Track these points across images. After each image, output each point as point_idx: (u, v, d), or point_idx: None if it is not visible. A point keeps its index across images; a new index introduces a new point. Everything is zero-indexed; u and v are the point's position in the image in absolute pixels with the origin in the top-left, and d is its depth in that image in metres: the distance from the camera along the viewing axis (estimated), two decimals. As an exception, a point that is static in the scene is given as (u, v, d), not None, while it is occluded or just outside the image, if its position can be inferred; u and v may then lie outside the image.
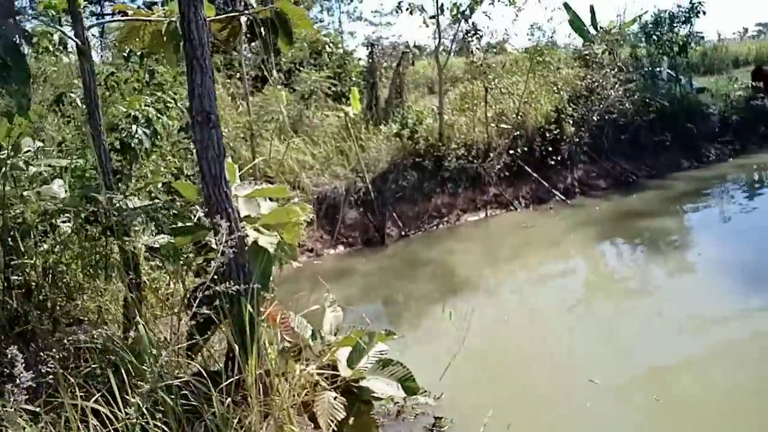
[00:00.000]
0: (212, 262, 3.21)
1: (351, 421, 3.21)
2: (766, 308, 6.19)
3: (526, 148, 11.45)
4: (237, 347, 2.90)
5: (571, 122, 12.09)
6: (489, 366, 5.58)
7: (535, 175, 11.61)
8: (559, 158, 11.86)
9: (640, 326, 6.12)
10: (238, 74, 10.60)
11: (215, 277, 2.96)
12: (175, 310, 3.33)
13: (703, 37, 16.55)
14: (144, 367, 2.73)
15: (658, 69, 14.85)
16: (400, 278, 8.32)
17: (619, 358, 5.45)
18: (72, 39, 3.79)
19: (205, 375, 2.85)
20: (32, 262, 3.80)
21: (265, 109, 9.68)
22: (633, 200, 11.31)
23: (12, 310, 3.62)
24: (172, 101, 6.42)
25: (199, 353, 3.27)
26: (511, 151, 11.42)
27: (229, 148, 8.74)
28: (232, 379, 2.86)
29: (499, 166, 11.29)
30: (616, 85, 12.61)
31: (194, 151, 3.51)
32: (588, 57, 13.11)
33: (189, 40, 3.00)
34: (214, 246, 3.05)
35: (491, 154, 11.35)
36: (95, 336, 3.03)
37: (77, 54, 3.94)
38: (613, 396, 4.86)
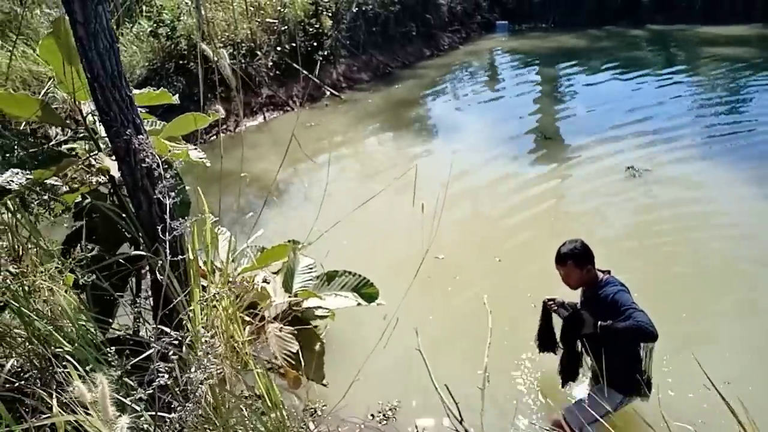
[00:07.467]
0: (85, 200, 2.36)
1: (317, 347, 2.82)
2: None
3: (293, 45, 10.96)
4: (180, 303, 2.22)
5: (329, 16, 11.88)
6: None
7: (305, 72, 11.30)
8: (323, 54, 11.69)
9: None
10: None
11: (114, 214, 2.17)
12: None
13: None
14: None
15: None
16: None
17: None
18: None
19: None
20: None
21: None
22: (397, 90, 11.92)
23: None
24: None
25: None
26: (278, 48, 10.84)
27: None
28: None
29: (268, 65, 10.68)
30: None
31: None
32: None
33: None
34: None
35: (258, 53, 10.60)
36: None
37: None
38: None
